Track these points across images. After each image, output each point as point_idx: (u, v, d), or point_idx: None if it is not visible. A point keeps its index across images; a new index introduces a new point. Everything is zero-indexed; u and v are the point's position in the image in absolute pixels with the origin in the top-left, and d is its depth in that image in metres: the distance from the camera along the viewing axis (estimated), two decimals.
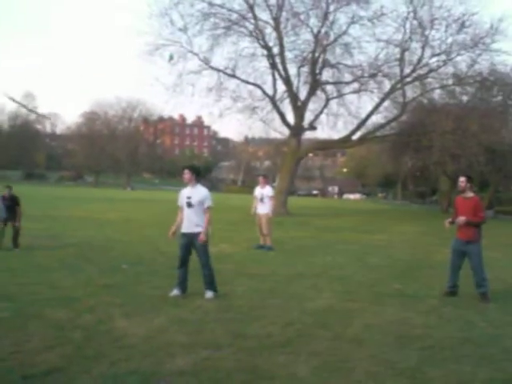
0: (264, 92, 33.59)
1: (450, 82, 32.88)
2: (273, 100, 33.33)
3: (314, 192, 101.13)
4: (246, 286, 9.54)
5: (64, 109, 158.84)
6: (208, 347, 5.95)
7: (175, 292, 8.51)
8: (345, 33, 32.36)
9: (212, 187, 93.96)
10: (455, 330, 7.15)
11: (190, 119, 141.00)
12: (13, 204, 13.11)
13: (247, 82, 33.60)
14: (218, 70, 33.06)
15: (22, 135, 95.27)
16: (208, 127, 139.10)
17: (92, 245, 14.44)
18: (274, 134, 40.81)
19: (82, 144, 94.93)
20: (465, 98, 35.55)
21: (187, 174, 8.54)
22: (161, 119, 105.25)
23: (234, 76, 33.17)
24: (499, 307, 8.61)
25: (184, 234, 8.57)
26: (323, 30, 32.18)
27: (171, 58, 32.21)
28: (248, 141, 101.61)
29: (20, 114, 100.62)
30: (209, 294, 8.46)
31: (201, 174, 8.88)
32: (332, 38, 32.63)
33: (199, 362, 5.48)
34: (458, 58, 31.73)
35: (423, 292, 9.57)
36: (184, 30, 31.69)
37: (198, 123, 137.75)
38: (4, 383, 4.74)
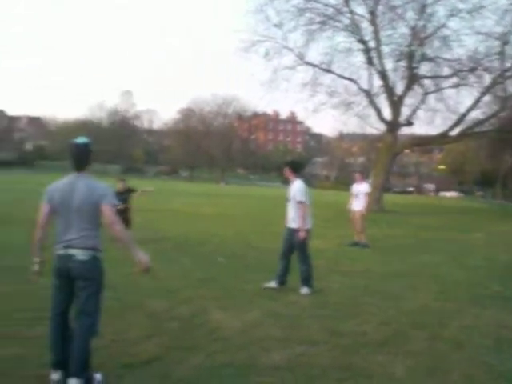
0: (360, 87, 33.17)
1: None
2: (369, 95, 32.83)
3: (409, 189, 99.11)
4: (341, 282, 9.47)
5: (161, 105, 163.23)
6: (303, 343, 5.95)
7: (272, 284, 8.58)
8: (443, 26, 31.42)
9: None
10: None
11: (283, 115, 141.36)
12: (128, 196, 12.95)
13: (342, 77, 33.24)
14: (313, 65, 32.92)
15: (121, 131, 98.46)
16: (301, 123, 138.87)
17: (188, 238, 14.73)
18: (369, 130, 40.10)
19: (179, 140, 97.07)
20: None
21: (285, 170, 8.80)
22: (255, 115, 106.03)
23: (329, 71, 32.91)
24: None
25: (286, 228, 8.75)
26: (420, 23, 31.38)
27: (267, 54, 32.37)
28: (342, 136, 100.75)
29: (119, 111, 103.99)
30: (304, 290, 8.46)
31: (299, 169, 8.89)
32: (430, 31, 31.76)
33: (294, 358, 5.48)
34: None
35: None
36: (279, 25, 31.75)
37: (292, 119, 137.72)
38: (105, 370, 4.89)
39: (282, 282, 8.67)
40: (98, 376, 4.68)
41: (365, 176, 15.40)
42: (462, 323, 7.14)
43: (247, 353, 5.57)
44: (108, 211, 4.62)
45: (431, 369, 5.37)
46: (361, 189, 14.58)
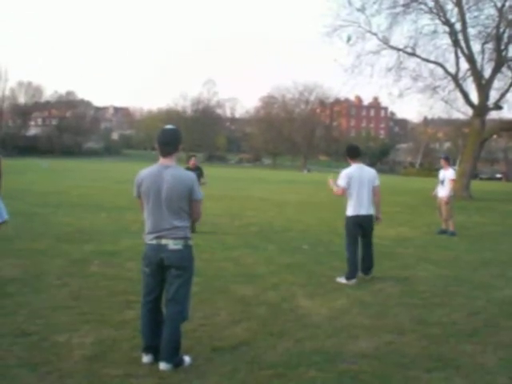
0: (446, 70, 32.30)
1: None
2: (455, 79, 31.92)
3: (498, 176, 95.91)
4: (429, 271, 9.29)
5: (244, 94, 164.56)
6: (391, 331, 5.90)
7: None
8: None
9: (389, 170, 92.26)
10: None
11: (366, 100, 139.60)
12: (198, 175, 13.10)
13: (428, 61, 32.46)
14: (398, 49, 32.27)
15: (204, 119, 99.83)
16: (385, 108, 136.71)
17: (272, 224, 14.81)
18: (456, 115, 39.02)
19: (261, 127, 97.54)
20: None
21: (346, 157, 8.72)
22: (337, 101, 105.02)
23: (414, 55, 32.22)
24: None
25: None
26: (508, 4, 30.15)
27: (349, 39, 31.96)
28: (427, 122, 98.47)
29: (202, 100, 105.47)
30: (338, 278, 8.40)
31: (354, 155, 8.58)
32: None
33: (382, 346, 5.44)
34: None
35: None
36: (362, 9, 31.25)
37: (375, 104, 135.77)
38: (195, 353, 5.00)
39: (361, 270, 8.61)
40: (187, 359, 4.81)
41: (450, 162, 14.97)
42: None
43: (335, 340, 5.57)
44: (197, 208, 4.81)
45: None
46: (447, 175, 14.24)
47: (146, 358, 4.82)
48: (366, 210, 8.42)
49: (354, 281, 8.27)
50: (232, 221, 15.06)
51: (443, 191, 14.24)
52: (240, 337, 5.55)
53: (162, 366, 4.64)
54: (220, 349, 5.21)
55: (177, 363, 4.69)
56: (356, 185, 8.34)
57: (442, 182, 14.29)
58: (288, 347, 5.31)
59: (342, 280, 8.28)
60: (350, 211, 8.44)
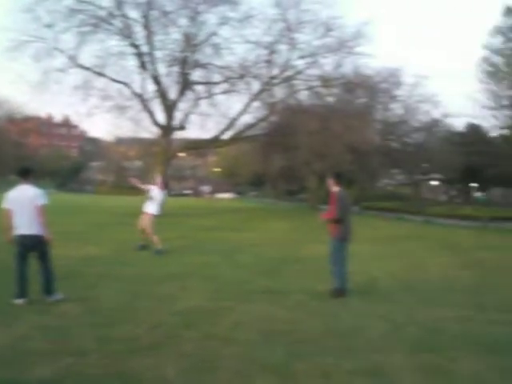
0: (133, 91, 32.99)
1: (316, 83, 33.78)
2: (142, 99, 32.78)
3: (186, 192, 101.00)
4: (113, 288, 9.32)
5: None
6: (73, 354, 5.79)
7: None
8: (214, 33, 32.34)
9: (81, 188, 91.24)
10: (321, 323, 7.39)
11: (57, 118, 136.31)
12: None
13: (116, 81, 32.76)
14: (86, 68, 32.04)
15: None
16: (76, 126, 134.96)
17: None
18: (145, 134, 40.05)
19: None
20: (330, 100, 36.85)
21: None
22: (27, 118, 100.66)
23: (102, 74, 32.28)
24: (362, 299, 8.96)
25: None
26: (193, 30, 32.00)
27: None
28: (119, 140, 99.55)
29: None
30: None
31: (21, 175, 8.23)
32: (202, 38, 32.49)
33: (63, 370, 5.32)
34: (324, 61, 32.57)
35: (291, 287, 9.79)
36: (50, 26, 30.43)
37: (67, 122, 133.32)
38: None
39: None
40: None
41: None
42: (233, 320, 7.42)
43: (13, 368, 5.31)
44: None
45: (202, 368, 5.51)
46: (156, 193, 14.74)
47: None
48: (27, 229, 8.13)
49: (20, 301, 8.04)
50: None
51: (151, 207, 14.58)
52: None
53: None
54: None
55: None
56: (16, 205, 8.12)
57: (151, 199, 14.62)
58: None
59: (16, 301, 8.03)
60: (16, 231, 8.15)
